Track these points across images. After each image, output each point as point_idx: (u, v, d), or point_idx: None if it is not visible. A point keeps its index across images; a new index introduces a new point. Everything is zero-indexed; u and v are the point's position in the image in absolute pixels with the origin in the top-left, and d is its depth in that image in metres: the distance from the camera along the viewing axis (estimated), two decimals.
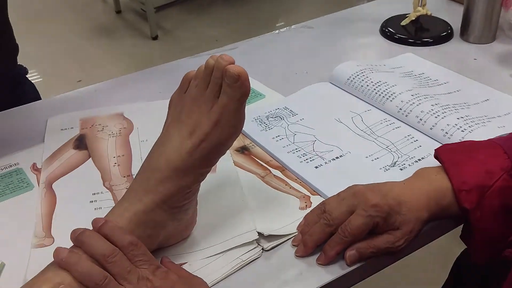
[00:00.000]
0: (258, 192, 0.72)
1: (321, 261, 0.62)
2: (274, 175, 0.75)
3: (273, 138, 0.82)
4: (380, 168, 0.75)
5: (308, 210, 0.69)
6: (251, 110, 0.88)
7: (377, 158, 0.77)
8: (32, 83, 1.12)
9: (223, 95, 0.58)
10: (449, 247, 1.77)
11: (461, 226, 0.72)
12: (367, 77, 0.91)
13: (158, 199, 0.58)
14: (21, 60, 1.08)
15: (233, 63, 0.58)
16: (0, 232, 0.68)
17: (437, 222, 0.66)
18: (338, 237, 0.62)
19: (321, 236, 0.63)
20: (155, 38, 3.18)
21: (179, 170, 0.58)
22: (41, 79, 2.84)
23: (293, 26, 1.19)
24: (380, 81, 0.89)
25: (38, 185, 0.74)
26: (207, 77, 0.59)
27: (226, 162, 0.77)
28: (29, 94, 1.08)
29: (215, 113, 0.58)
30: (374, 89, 0.88)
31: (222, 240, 0.64)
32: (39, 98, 1.08)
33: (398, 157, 0.77)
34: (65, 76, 2.85)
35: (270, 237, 0.65)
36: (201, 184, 0.62)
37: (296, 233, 0.66)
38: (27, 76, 1.11)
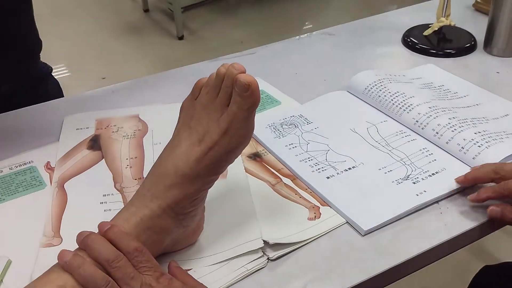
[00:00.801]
0: (268, 200, 0.72)
1: (472, 198, 0.70)
2: (285, 183, 0.75)
3: (286, 146, 0.81)
4: (393, 181, 0.74)
5: (317, 221, 0.68)
6: (266, 116, 0.88)
7: (390, 170, 0.76)
8: (57, 81, 1.13)
9: (232, 104, 0.58)
10: (467, 262, 1.75)
11: (479, 241, 0.71)
12: (385, 87, 0.90)
13: (165, 205, 0.58)
14: (49, 54, 1.09)
15: (244, 72, 0.58)
16: (10, 230, 0.68)
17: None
18: (497, 187, 0.68)
19: (483, 177, 0.70)
20: (181, 38, 3.19)
21: (187, 177, 0.58)
22: (69, 74, 2.88)
23: (314, 33, 1.18)
24: (397, 92, 0.88)
25: (51, 184, 0.75)
26: (217, 85, 0.59)
27: (237, 168, 0.76)
28: (52, 93, 1.09)
29: (224, 122, 0.58)
30: (391, 100, 0.87)
31: (228, 248, 0.64)
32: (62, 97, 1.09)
33: (412, 171, 0.76)
34: (91, 72, 2.89)
35: (276, 246, 0.64)
36: (211, 189, 0.62)
37: (302, 243, 0.65)
38: (52, 74, 1.12)
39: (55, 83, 1.12)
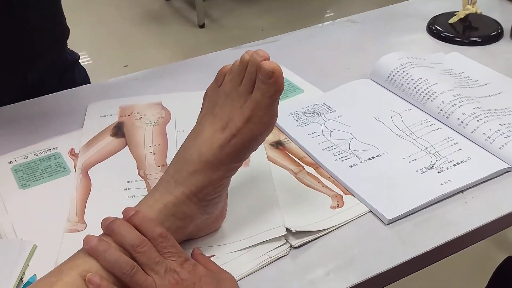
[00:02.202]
0: (290, 188, 0.72)
1: None
2: (308, 172, 0.74)
3: (309, 134, 0.81)
4: (417, 171, 0.73)
5: (340, 209, 0.68)
6: (289, 104, 0.87)
7: (415, 159, 0.75)
8: (84, 69, 1.13)
9: (256, 91, 0.58)
10: (489, 253, 1.73)
11: (502, 231, 0.70)
12: (407, 73, 0.88)
13: (188, 192, 0.59)
14: (73, 42, 1.09)
15: (268, 59, 0.57)
16: (35, 215, 0.69)
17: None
18: None
19: None
20: (202, 26, 3.19)
21: (210, 163, 0.58)
22: (91, 62, 2.90)
23: (337, 20, 1.17)
24: (420, 79, 0.86)
25: (75, 170, 0.76)
26: (241, 72, 0.59)
27: (260, 156, 0.76)
28: (79, 80, 1.09)
29: (248, 109, 0.58)
30: (415, 88, 0.86)
31: (251, 235, 0.64)
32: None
33: (437, 160, 0.75)
34: (113, 60, 2.90)
35: (299, 234, 0.64)
36: (234, 177, 0.62)
37: (325, 231, 0.65)
38: (79, 61, 1.12)
39: (83, 71, 1.13)
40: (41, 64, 0.99)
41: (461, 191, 0.71)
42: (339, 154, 0.77)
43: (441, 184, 0.71)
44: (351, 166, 0.74)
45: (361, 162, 0.75)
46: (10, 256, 0.62)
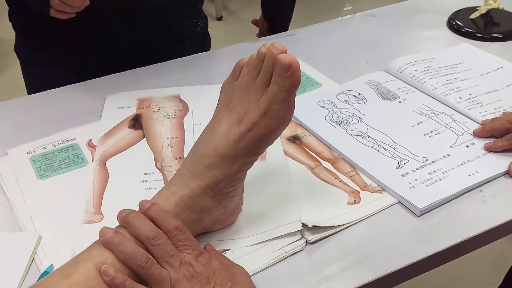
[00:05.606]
0: (307, 183, 0.71)
1: (487, 146, 0.74)
2: (324, 167, 0.74)
3: (327, 127, 0.80)
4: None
5: (357, 205, 0.68)
6: (306, 98, 0.87)
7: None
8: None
9: (273, 84, 0.57)
10: (504, 251, 1.71)
11: None
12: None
13: (204, 185, 0.59)
14: None
15: (285, 52, 0.57)
16: (53, 205, 0.70)
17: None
18: (510, 136, 0.72)
19: (498, 128, 0.75)
20: (219, 18, 3.19)
21: (226, 157, 0.58)
22: None
23: (357, 14, 1.16)
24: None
25: (92, 161, 0.76)
26: (258, 66, 0.59)
27: (276, 151, 0.76)
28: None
29: (264, 103, 0.57)
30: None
31: (266, 229, 0.64)
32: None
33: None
34: None
35: (315, 230, 0.64)
36: (250, 171, 0.62)
37: (341, 227, 0.65)
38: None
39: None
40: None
41: (480, 189, 0.70)
42: (363, 145, 0.77)
43: (469, 176, 0.71)
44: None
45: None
46: (16, 249, 0.63)
